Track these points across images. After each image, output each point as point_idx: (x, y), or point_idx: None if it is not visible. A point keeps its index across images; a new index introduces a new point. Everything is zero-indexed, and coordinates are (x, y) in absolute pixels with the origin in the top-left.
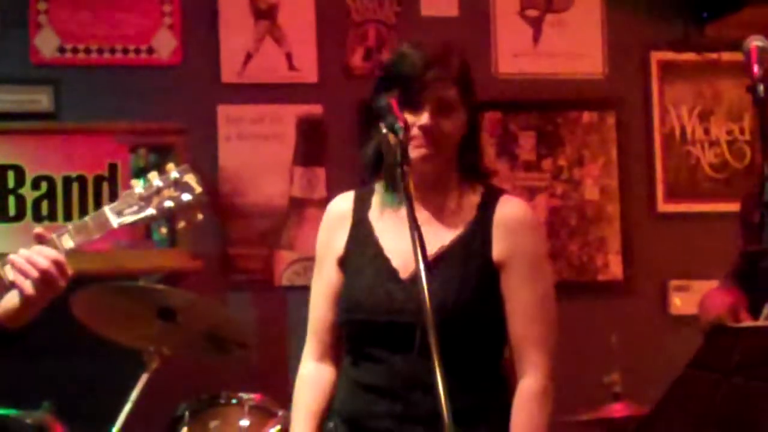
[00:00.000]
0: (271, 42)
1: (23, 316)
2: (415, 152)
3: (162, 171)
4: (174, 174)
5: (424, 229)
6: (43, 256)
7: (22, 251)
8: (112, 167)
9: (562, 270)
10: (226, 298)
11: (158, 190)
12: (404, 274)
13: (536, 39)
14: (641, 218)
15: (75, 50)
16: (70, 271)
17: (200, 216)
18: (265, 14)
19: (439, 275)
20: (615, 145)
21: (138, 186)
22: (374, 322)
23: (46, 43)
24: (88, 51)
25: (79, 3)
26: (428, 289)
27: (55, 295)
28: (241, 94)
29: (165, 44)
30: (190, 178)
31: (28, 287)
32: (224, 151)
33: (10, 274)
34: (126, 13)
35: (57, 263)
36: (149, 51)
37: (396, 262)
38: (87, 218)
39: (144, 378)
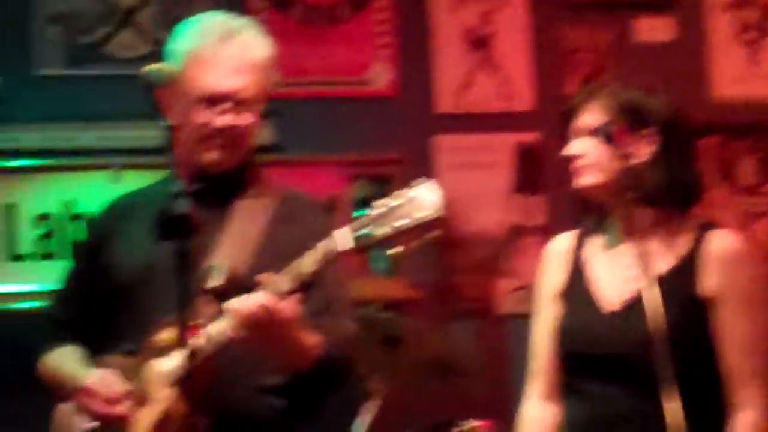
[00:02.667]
0: (487, 71)
1: (284, 361)
2: None
3: (406, 187)
4: (413, 192)
5: (633, 264)
6: (252, 301)
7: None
8: (334, 198)
9: None
10: (446, 327)
11: (393, 209)
12: (610, 306)
13: (754, 62)
14: None
15: (293, 84)
16: (282, 314)
17: (437, 234)
18: (480, 44)
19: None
20: None
21: (377, 207)
22: (577, 354)
23: None
24: (306, 84)
25: (296, 38)
26: (638, 321)
27: (272, 335)
28: (457, 123)
29: (381, 76)
30: (430, 194)
31: (238, 330)
32: (442, 181)
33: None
34: (342, 47)
35: (264, 308)
36: (366, 83)
37: (604, 295)
38: (309, 253)
39: (371, 406)
